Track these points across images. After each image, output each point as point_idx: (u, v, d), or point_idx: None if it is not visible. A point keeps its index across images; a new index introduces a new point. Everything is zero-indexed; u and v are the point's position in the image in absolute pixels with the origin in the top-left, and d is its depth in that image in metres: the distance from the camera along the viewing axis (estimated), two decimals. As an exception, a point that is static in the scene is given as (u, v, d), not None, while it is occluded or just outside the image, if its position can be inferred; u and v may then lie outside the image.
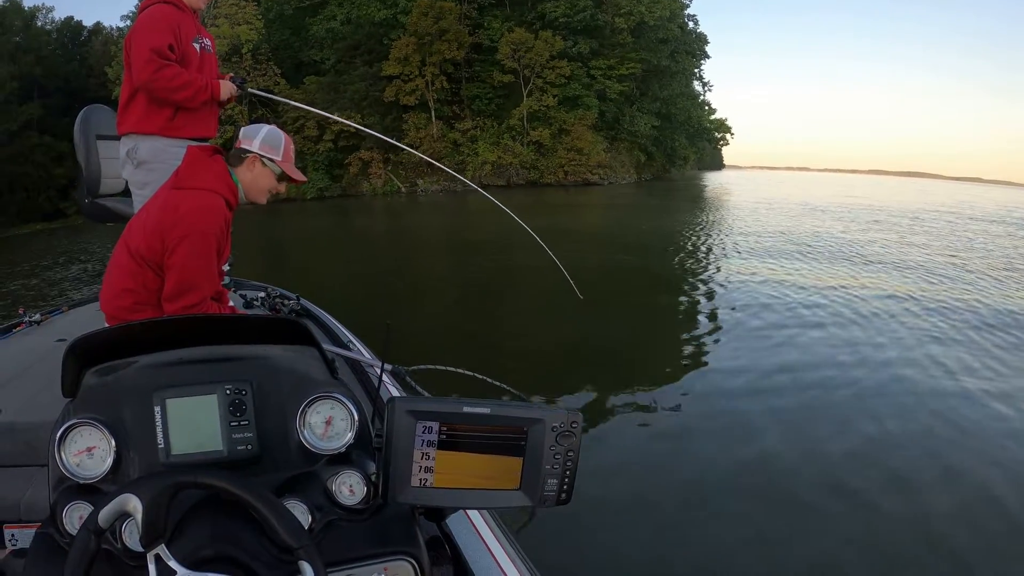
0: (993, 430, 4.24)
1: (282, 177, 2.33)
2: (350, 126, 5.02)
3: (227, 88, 3.03)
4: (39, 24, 51.85)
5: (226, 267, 3.19)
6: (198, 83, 2.88)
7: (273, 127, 2.32)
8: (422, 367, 2.68)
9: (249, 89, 3.31)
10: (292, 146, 2.35)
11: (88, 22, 55.69)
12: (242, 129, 2.33)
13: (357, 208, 32.07)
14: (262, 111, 39.92)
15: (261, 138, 2.27)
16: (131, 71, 2.81)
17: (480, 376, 2.59)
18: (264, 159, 2.26)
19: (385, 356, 1.33)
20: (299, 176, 2.35)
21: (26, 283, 13.11)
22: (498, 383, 2.51)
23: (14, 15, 49.19)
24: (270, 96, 4.13)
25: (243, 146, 2.27)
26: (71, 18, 54.34)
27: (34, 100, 45.57)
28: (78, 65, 50.62)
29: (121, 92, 2.94)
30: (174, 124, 2.92)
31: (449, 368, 2.59)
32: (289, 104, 4.38)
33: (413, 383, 2.60)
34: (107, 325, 2.07)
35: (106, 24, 52.51)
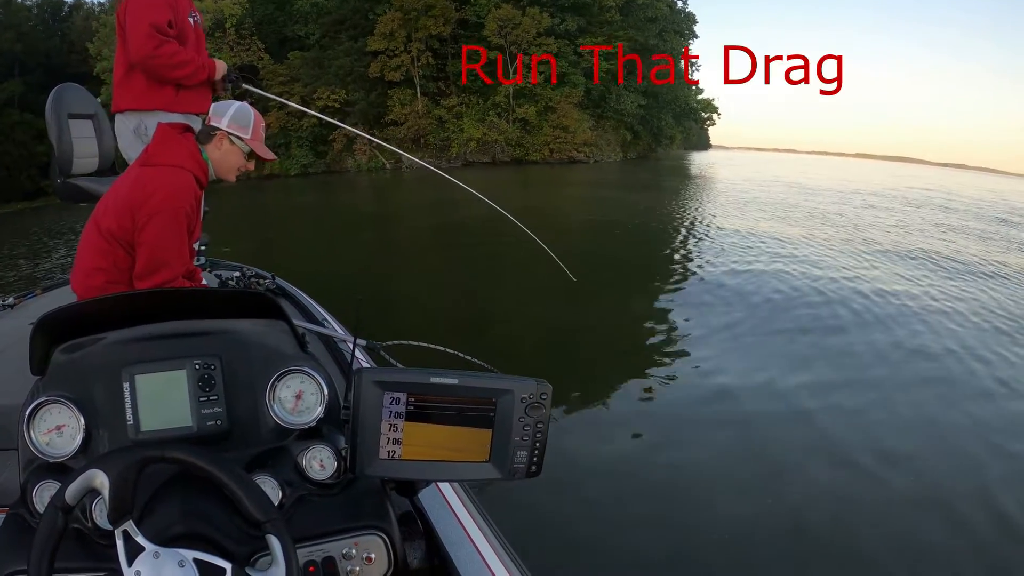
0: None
1: (251, 155, 2.32)
2: (339, 125, 5.02)
3: (221, 67, 3.04)
4: (19, 0, 51.04)
5: (202, 247, 3.23)
6: (197, 62, 2.87)
7: (243, 104, 2.30)
8: (395, 343, 2.67)
9: (243, 85, 3.30)
10: (262, 123, 2.34)
11: (69, -2, 54.45)
12: (212, 105, 2.33)
13: (341, 184, 31.90)
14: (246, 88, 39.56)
15: (230, 116, 2.25)
16: (127, 46, 2.75)
17: (455, 352, 2.54)
18: (232, 136, 2.25)
19: (357, 331, 1.37)
20: (268, 154, 2.35)
21: (9, 264, 13.02)
22: (474, 359, 2.52)
23: (-7, -9, 48.40)
24: (264, 94, 4.13)
25: (212, 123, 2.26)
26: (52, -7, 53.34)
27: (15, 77, 44.86)
28: (59, 41, 49.84)
29: (115, 67, 2.90)
30: (179, 100, 2.90)
31: (423, 344, 2.58)
32: (282, 102, 4.38)
33: (389, 357, 2.59)
34: None
35: (88, 0, 51.49)
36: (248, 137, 2.27)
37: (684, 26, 51.20)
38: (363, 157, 39.93)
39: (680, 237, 10.56)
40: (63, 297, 3.23)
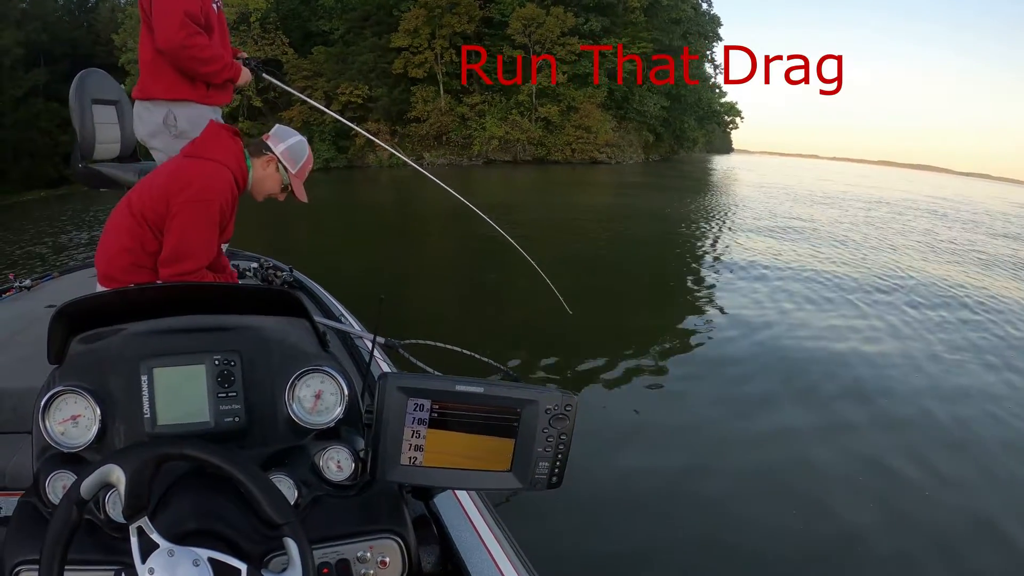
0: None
1: (286, 188, 2.34)
2: (353, 128, 4.93)
3: (246, 74, 3.02)
4: (46, -10, 51.62)
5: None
6: (225, 59, 2.84)
7: (304, 140, 2.35)
8: (413, 341, 2.62)
9: (263, 75, 3.25)
10: (311, 165, 2.38)
11: (96, -12, 54.97)
12: (277, 126, 2.37)
13: (362, 180, 32.10)
14: (267, 82, 39.73)
15: (287, 144, 2.29)
16: (156, 34, 2.69)
17: (473, 354, 2.49)
18: (280, 164, 2.29)
19: (377, 330, 1.31)
20: (302, 195, 2.37)
21: (31, 250, 13.03)
22: (493, 362, 2.42)
23: (21, -20, 48.95)
24: (284, 86, 4.07)
25: (268, 142, 2.29)
26: (78, -17, 53.89)
27: (40, 66, 45.41)
28: (85, 31, 50.36)
29: (141, 53, 2.83)
30: (210, 92, 2.88)
31: (440, 344, 2.52)
32: (299, 97, 4.31)
33: (409, 355, 2.54)
34: (100, 286, 2.12)
35: (113, -9, 51.98)
36: (293, 172, 2.31)
37: (708, 28, 50.90)
38: (384, 153, 40.01)
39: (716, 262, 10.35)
40: (80, 280, 3.29)
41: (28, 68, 45.66)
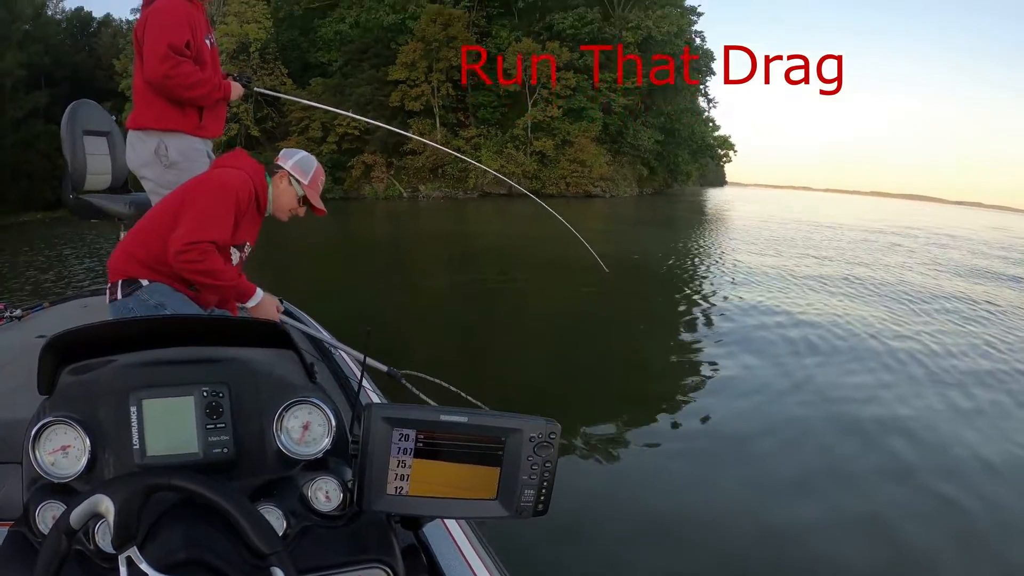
0: None
1: (303, 200, 2.48)
2: (355, 118, 5.10)
3: (236, 89, 3.04)
4: (49, 13, 51.95)
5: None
6: (212, 81, 2.86)
7: (307, 155, 2.51)
8: (404, 372, 2.68)
9: (255, 88, 3.31)
10: (322, 177, 2.54)
11: (98, 13, 55.52)
12: (284, 149, 2.56)
13: (358, 211, 32.13)
14: (267, 110, 40.05)
15: (295, 159, 2.47)
16: (144, 65, 2.75)
17: (458, 391, 2.60)
18: (292, 178, 2.45)
19: (365, 362, 1.34)
20: (320, 205, 2.52)
21: (26, 274, 13.11)
22: (476, 402, 2.52)
23: (25, 3, 49.26)
24: (275, 94, 4.14)
25: (279, 162, 2.47)
26: (81, 8, 54.36)
27: (41, 89, 45.60)
28: (86, 56, 50.65)
29: (134, 85, 2.88)
30: (203, 123, 2.91)
31: (429, 377, 2.62)
32: (293, 100, 4.40)
33: (406, 382, 2.60)
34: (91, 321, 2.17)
35: (115, 16, 52.50)
36: (305, 183, 2.46)
37: (702, 63, 51.49)
38: (380, 185, 40.27)
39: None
40: (70, 311, 3.27)
41: (29, 90, 45.76)
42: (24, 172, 43.24)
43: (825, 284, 10.65)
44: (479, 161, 40.48)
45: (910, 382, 5.78)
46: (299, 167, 2.45)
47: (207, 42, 2.92)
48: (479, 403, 2.49)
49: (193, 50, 2.79)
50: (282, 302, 3.37)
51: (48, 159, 40.72)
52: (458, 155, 4.89)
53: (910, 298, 9.83)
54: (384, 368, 2.70)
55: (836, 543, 3.28)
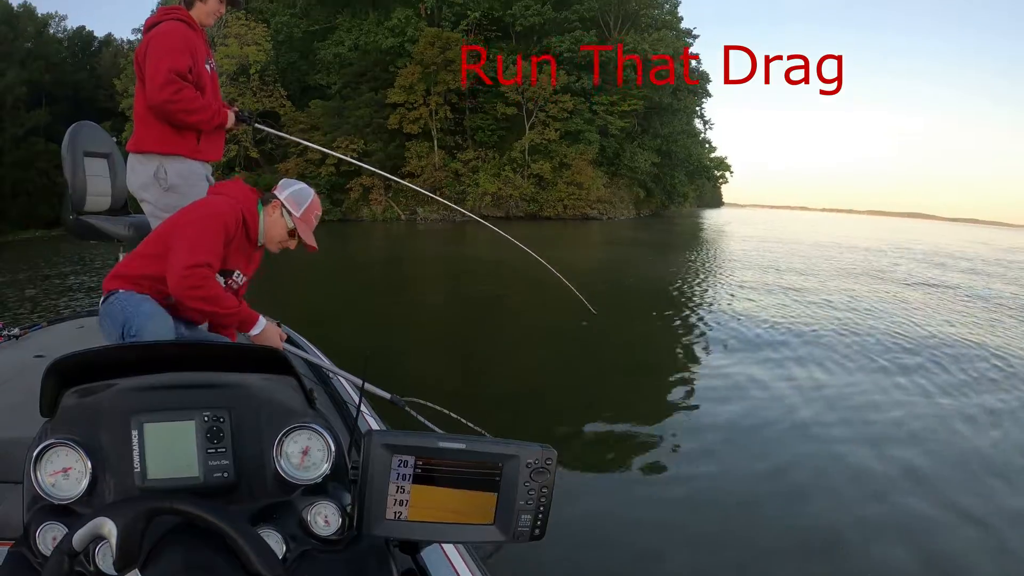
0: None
1: (293, 232, 2.42)
2: (349, 161, 5.12)
3: (232, 118, 3.05)
4: (51, 32, 52.27)
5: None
6: (213, 107, 2.88)
7: (304, 187, 2.45)
8: (404, 398, 2.70)
9: (256, 124, 3.35)
10: (317, 212, 2.46)
11: (100, 33, 55.91)
12: (284, 179, 2.52)
13: (356, 233, 32.15)
14: (265, 133, 40.23)
15: (290, 190, 2.42)
16: (146, 89, 2.76)
17: (458, 417, 2.60)
18: (284, 209, 2.39)
19: (363, 387, 1.37)
20: (310, 240, 2.43)
21: (25, 292, 13.16)
22: (474, 426, 2.54)
23: (27, 21, 49.58)
24: (275, 132, 4.23)
25: (274, 191, 2.43)
26: (83, 27, 54.68)
27: (42, 107, 45.83)
28: (87, 75, 50.92)
29: (135, 109, 2.90)
30: (200, 147, 2.93)
31: (428, 403, 2.63)
32: (287, 139, 4.48)
33: (408, 408, 2.62)
34: (87, 346, 2.20)
35: (117, 36, 52.80)
36: (297, 215, 2.39)
37: (698, 85, 51.94)
38: (378, 207, 40.40)
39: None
40: (68, 331, 3.30)
41: (30, 108, 46.02)
42: (24, 190, 43.40)
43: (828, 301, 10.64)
44: (477, 184, 40.75)
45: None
46: (293, 198, 2.40)
47: (207, 67, 2.95)
48: (478, 428, 2.53)
49: (194, 75, 2.82)
50: (280, 326, 3.27)
51: (48, 177, 40.84)
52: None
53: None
54: (386, 395, 2.71)
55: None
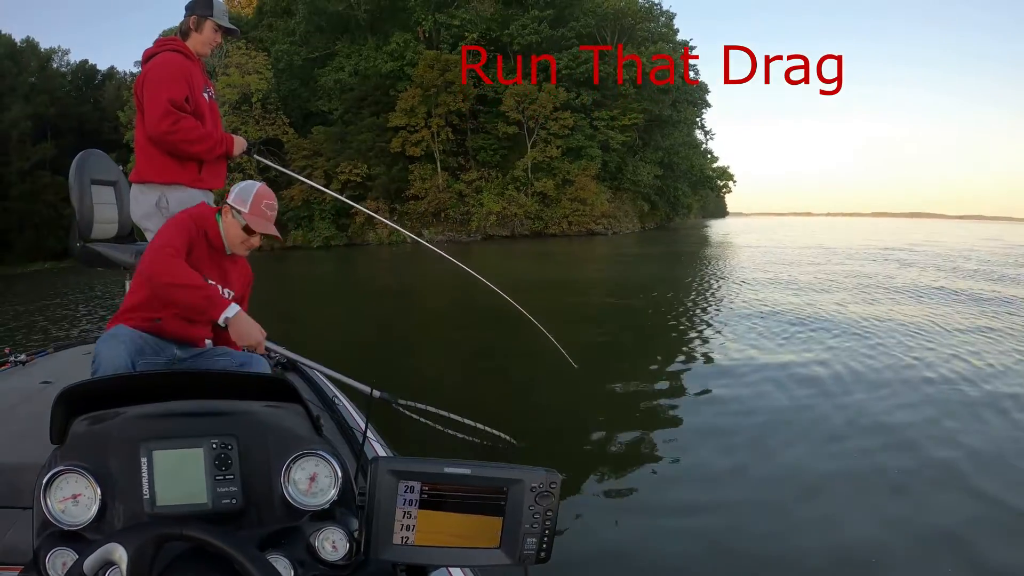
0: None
1: (247, 229, 2.38)
2: (342, 200, 5.07)
3: (240, 144, 3.06)
4: (54, 66, 52.87)
5: None
6: (214, 136, 2.89)
7: (249, 182, 2.42)
8: (409, 404, 2.67)
9: (255, 156, 3.33)
10: (265, 200, 2.38)
11: (102, 66, 56.41)
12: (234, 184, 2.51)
13: (362, 257, 32.33)
14: (270, 159, 40.49)
15: (235, 191, 2.41)
16: (144, 121, 2.77)
17: (462, 419, 2.61)
18: (233, 210, 2.37)
19: (369, 414, 1.39)
20: (268, 230, 2.39)
21: (32, 321, 13.29)
22: (482, 426, 2.54)
23: (30, 55, 50.18)
24: (277, 168, 4.23)
25: (226, 198, 2.43)
26: (86, 61, 55.32)
27: (47, 140, 46.30)
28: (91, 108, 51.42)
29: (136, 140, 2.90)
30: (201, 176, 2.93)
31: (431, 408, 2.62)
32: (288, 175, 4.48)
33: (405, 411, 2.60)
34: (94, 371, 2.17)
35: (120, 69, 53.37)
36: (246, 211, 2.35)
37: (697, 96, 52.11)
38: (384, 231, 40.53)
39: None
40: (75, 357, 3.31)
41: (36, 141, 46.53)
42: (31, 223, 43.87)
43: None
44: (481, 204, 40.85)
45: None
46: (238, 197, 2.37)
47: (205, 96, 2.96)
48: (486, 427, 2.54)
49: (191, 105, 2.83)
50: (286, 352, 3.26)
51: (55, 210, 41.21)
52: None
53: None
54: (392, 398, 2.71)
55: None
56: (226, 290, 2.42)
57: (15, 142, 45.70)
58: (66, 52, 54.32)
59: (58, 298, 17.39)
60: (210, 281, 2.35)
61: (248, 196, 2.36)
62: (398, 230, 5.43)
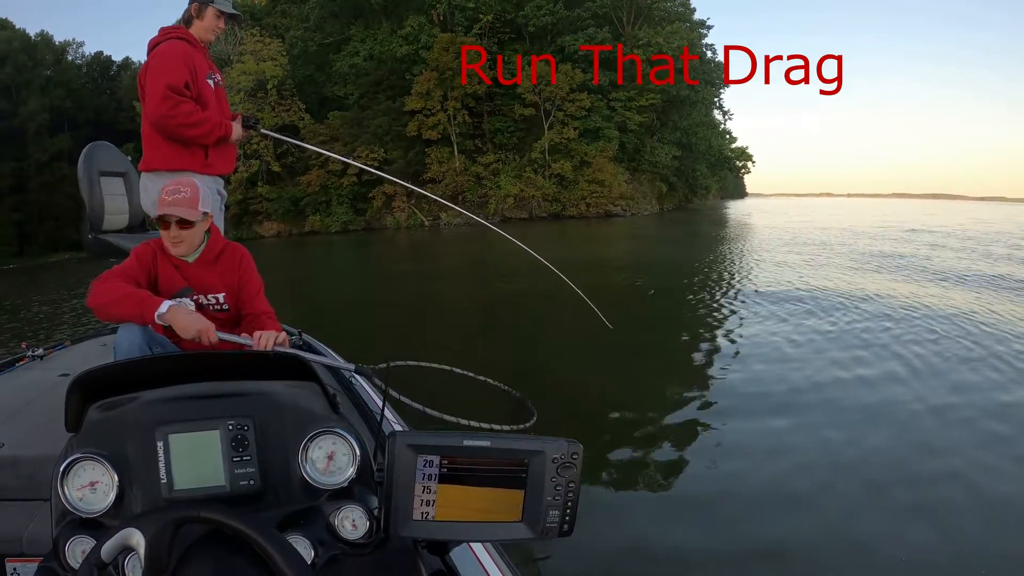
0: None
1: (161, 222, 2.26)
2: (359, 166, 4.98)
3: (237, 129, 3.06)
4: (70, 58, 53.30)
5: None
6: (213, 120, 2.90)
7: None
8: (397, 363, 2.65)
9: (262, 130, 3.35)
10: (168, 189, 2.24)
11: (117, 57, 56.86)
12: None
13: (380, 241, 32.39)
14: (286, 146, 40.66)
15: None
16: (147, 107, 2.82)
17: (464, 371, 2.61)
18: (155, 220, 2.34)
19: (386, 392, 1.37)
20: (162, 210, 2.24)
21: (48, 312, 13.42)
22: (494, 381, 2.45)
23: (45, 49, 50.62)
24: (280, 137, 4.18)
25: None
26: (101, 53, 55.73)
27: (65, 132, 46.77)
28: (107, 99, 51.85)
29: (142, 129, 2.93)
30: (209, 161, 2.95)
31: (429, 364, 2.64)
32: (297, 144, 4.36)
33: (409, 400, 2.52)
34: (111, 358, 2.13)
35: (134, 59, 53.64)
36: (155, 212, 2.31)
37: (715, 75, 51.52)
38: (402, 215, 40.58)
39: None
40: (92, 348, 3.32)
41: (53, 133, 47.09)
42: (50, 214, 44.50)
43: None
44: (499, 187, 40.75)
45: None
46: (151, 208, 2.41)
47: (210, 82, 2.97)
48: (497, 382, 2.55)
49: (193, 91, 2.85)
50: (301, 335, 3.30)
51: (73, 200, 41.17)
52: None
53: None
54: (380, 370, 2.60)
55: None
56: (211, 296, 2.35)
57: (32, 135, 46.30)
58: (81, 44, 54.86)
59: (76, 289, 17.51)
60: (202, 297, 2.34)
61: (152, 207, 2.42)
62: (455, 208, 5.26)
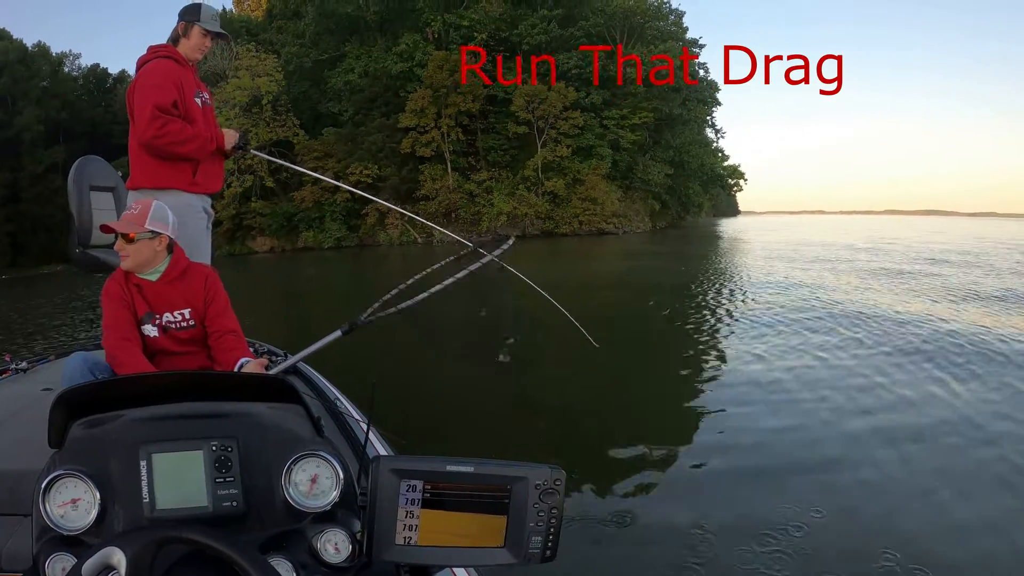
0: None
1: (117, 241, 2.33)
2: (347, 189, 5.01)
3: (230, 137, 3.06)
4: (66, 70, 53.36)
5: None
6: (204, 135, 2.90)
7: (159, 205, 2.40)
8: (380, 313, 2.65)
9: (252, 150, 3.35)
10: (126, 211, 2.36)
11: (114, 70, 56.98)
12: None
13: (373, 258, 32.28)
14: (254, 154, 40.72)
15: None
16: (136, 127, 2.81)
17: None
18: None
19: (372, 414, 1.37)
20: (113, 228, 2.30)
21: (34, 324, 13.37)
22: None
23: (42, 60, 50.65)
24: (269, 158, 4.17)
25: None
26: (97, 65, 55.83)
27: (60, 144, 46.75)
28: (103, 111, 51.83)
29: (130, 146, 2.91)
30: (196, 180, 2.94)
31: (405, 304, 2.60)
32: (281, 164, 4.41)
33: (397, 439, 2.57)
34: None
35: (130, 72, 53.50)
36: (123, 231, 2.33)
37: (707, 94, 51.80)
38: (395, 231, 40.60)
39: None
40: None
41: (48, 145, 47.03)
42: (44, 226, 44.38)
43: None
44: (491, 204, 40.81)
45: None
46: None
47: (198, 100, 2.96)
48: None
49: (181, 109, 2.84)
50: (287, 356, 3.26)
51: (66, 212, 41.27)
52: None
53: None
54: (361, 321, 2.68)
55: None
56: (177, 312, 2.36)
57: (27, 146, 46.29)
58: (77, 56, 54.95)
59: (66, 302, 17.42)
60: (168, 316, 2.35)
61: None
62: (436, 227, 5.24)
